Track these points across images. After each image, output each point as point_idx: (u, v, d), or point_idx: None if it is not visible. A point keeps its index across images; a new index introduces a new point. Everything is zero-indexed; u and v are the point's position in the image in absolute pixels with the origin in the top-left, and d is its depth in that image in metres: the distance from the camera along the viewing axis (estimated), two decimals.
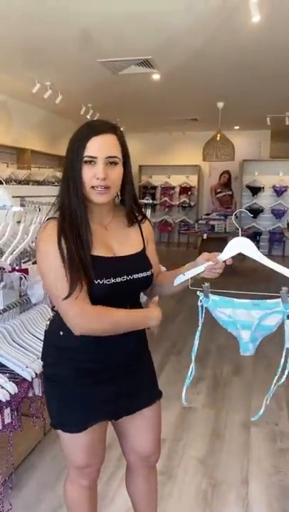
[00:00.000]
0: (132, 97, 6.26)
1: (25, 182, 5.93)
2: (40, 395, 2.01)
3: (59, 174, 6.25)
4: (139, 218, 1.37)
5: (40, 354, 1.65)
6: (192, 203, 9.61)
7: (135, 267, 1.28)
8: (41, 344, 1.45)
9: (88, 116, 6.62)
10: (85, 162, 1.19)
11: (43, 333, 1.41)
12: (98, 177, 1.19)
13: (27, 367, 1.95)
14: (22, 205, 2.66)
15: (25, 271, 2.30)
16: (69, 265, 1.16)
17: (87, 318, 1.18)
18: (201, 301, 1.27)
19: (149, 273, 1.31)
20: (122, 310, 1.24)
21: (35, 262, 2.51)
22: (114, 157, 1.21)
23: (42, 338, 1.46)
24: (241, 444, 2.45)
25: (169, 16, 3.56)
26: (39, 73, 5.11)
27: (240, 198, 8.87)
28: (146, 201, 4.36)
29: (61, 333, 1.28)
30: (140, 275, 1.28)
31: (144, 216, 1.40)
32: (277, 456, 2.37)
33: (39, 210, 2.64)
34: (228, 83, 5.50)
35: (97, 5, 3.29)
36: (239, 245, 1.26)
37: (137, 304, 1.35)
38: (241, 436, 2.53)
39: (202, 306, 1.26)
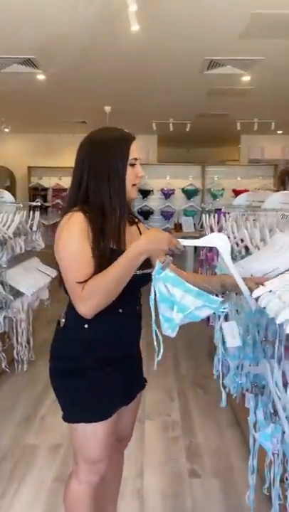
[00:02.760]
0: (16, 96, 6.04)
1: None
2: None
3: None
4: (136, 220, 1.51)
5: None
6: None
7: (144, 262, 1.32)
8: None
9: None
10: (130, 164, 1.35)
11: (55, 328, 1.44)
12: (141, 175, 1.38)
13: None
14: None
15: None
16: (93, 257, 1.25)
17: (85, 300, 1.25)
18: (154, 272, 1.25)
19: (152, 270, 1.34)
20: (108, 269, 1.26)
21: None
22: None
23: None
24: (136, 437, 2.53)
25: (52, 17, 3.52)
26: None
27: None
28: (35, 203, 4.22)
29: (86, 326, 1.34)
30: (147, 271, 1.34)
31: (138, 218, 1.54)
32: (169, 444, 2.50)
33: None
34: (115, 87, 5.62)
35: None
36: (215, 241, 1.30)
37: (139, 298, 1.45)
38: (136, 430, 2.60)
39: (154, 275, 1.24)
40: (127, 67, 4.82)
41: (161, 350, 1.24)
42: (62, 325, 1.42)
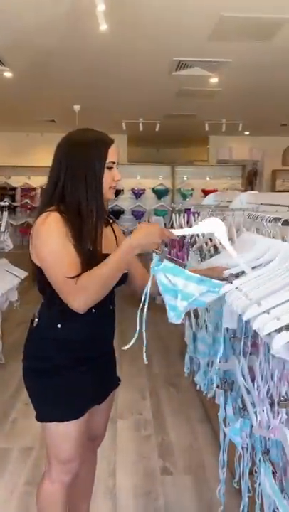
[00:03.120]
0: None
1: None
2: None
3: None
4: (111, 221, 1.52)
5: None
6: None
7: None
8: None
9: None
10: (108, 167, 1.36)
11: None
12: (117, 179, 1.39)
13: None
14: None
15: None
16: (75, 254, 1.26)
17: (79, 294, 1.25)
18: (153, 264, 1.23)
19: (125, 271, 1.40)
20: (100, 265, 1.27)
21: None
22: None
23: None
24: (109, 437, 2.52)
25: (18, 14, 3.46)
26: None
27: None
28: (3, 203, 4.14)
29: (59, 325, 1.36)
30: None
31: (113, 219, 1.55)
32: (141, 443, 2.51)
33: None
34: (84, 86, 5.58)
35: None
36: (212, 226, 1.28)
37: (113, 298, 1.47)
38: (108, 430, 2.60)
39: (153, 268, 1.23)
40: (96, 66, 4.80)
41: (144, 335, 1.27)
42: (35, 324, 1.41)
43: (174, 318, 1.28)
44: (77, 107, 6.44)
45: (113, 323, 1.50)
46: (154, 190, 8.80)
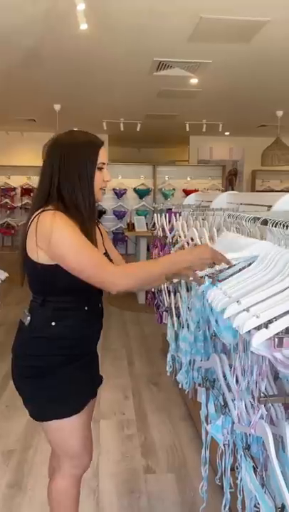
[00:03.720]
0: None
1: None
2: None
3: None
4: (97, 221, 1.53)
5: None
6: None
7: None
8: None
9: None
10: (98, 168, 1.39)
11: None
12: (107, 180, 1.42)
13: None
14: None
15: None
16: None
17: (124, 276, 1.30)
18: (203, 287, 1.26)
19: None
20: (152, 260, 1.48)
21: None
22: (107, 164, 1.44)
23: None
24: (93, 438, 2.53)
25: None
26: None
27: None
28: None
29: (53, 323, 1.37)
30: None
31: (97, 219, 1.56)
32: (124, 442, 2.52)
33: None
34: (64, 86, 5.55)
35: None
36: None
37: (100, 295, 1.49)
38: (92, 430, 2.60)
39: (204, 291, 1.26)
40: (77, 66, 4.78)
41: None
42: (27, 323, 1.40)
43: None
44: (57, 107, 6.40)
45: (101, 322, 1.53)
46: (135, 190, 8.81)
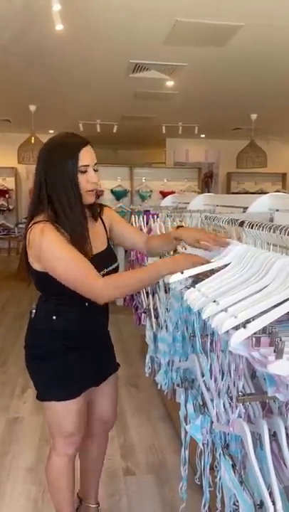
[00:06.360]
0: None
1: None
2: None
3: None
4: (98, 210, 1.56)
5: None
6: (11, 207, 9.25)
7: (108, 260, 1.50)
8: None
9: None
10: (80, 171, 1.37)
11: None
12: (93, 181, 1.40)
13: None
14: None
15: None
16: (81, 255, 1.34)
17: (109, 290, 1.35)
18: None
19: (117, 264, 1.54)
20: (135, 271, 1.54)
21: None
22: (96, 164, 1.43)
23: None
24: None
25: None
26: None
27: None
28: None
29: (54, 317, 1.48)
30: (112, 267, 1.50)
31: (100, 204, 1.58)
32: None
33: None
34: (40, 86, 5.49)
35: None
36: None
37: None
38: None
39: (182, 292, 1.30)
40: (52, 66, 4.74)
41: None
42: (33, 315, 1.55)
43: None
44: (32, 107, 6.33)
45: (106, 315, 1.62)
46: (112, 192, 8.79)
